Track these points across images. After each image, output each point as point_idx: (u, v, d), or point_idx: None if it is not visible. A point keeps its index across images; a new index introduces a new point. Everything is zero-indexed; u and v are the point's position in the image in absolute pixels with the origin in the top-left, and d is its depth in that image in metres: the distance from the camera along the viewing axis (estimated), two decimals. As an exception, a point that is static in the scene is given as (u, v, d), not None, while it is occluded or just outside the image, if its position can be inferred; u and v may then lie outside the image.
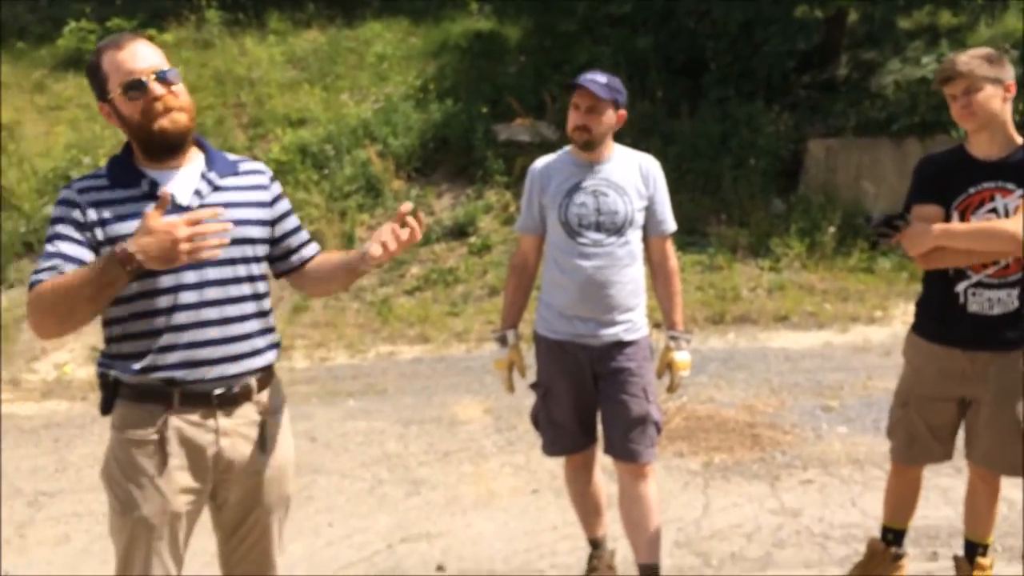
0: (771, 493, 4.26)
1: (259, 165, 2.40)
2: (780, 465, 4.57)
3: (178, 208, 2.16)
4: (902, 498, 3.28)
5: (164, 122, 2.13)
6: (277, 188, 2.40)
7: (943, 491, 4.13)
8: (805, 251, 8.45)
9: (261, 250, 2.32)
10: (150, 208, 2.01)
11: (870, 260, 8.40)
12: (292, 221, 2.42)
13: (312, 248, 2.48)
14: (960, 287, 2.94)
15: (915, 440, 3.13)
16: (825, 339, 6.94)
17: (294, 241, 2.43)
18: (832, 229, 8.56)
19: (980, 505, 3.17)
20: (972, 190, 2.90)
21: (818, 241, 8.50)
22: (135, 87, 2.10)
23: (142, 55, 2.12)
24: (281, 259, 2.43)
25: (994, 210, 2.88)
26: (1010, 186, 2.87)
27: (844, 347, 6.73)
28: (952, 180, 2.93)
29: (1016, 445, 2.96)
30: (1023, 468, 3.00)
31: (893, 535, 3.32)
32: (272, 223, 2.35)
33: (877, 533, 3.38)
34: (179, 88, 2.17)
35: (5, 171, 9.33)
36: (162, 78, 2.13)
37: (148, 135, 2.14)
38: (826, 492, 4.25)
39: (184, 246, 1.90)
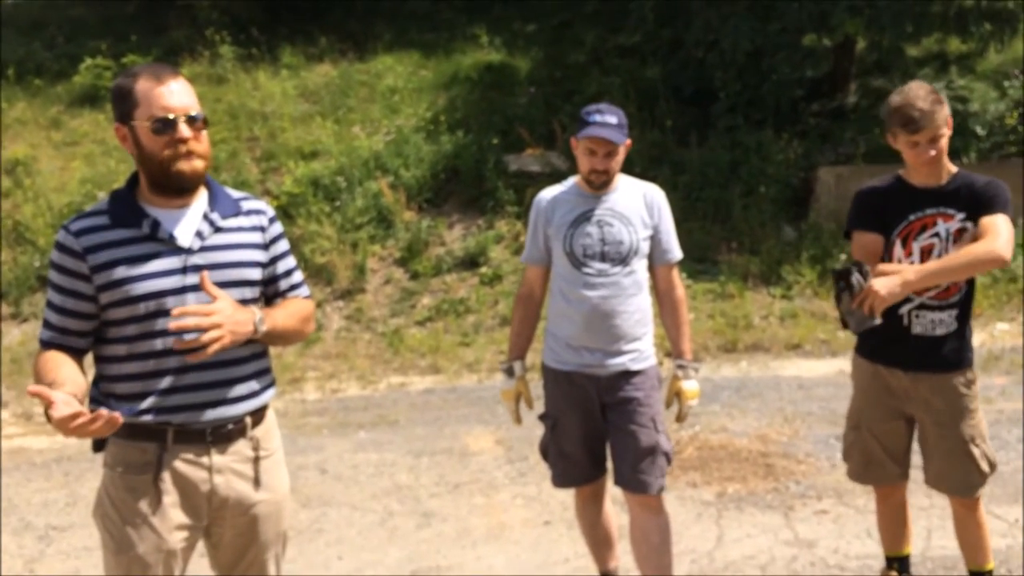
0: (785, 524, 4.21)
1: (261, 204, 2.38)
2: (794, 495, 4.52)
3: (179, 250, 2.16)
4: (892, 524, 3.31)
5: (183, 165, 2.13)
6: (276, 229, 2.37)
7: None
8: (817, 278, 8.42)
9: (258, 291, 2.31)
10: (151, 249, 2.13)
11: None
12: (284, 264, 2.39)
13: (299, 293, 2.43)
14: (904, 309, 2.99)
15: (870, 461, 3.19)
16: (838, 367, 6.88)
17: (282, 284, 2.39)
18: (843, 256, 8.53)
19: (968, 532, 3.15)
20: (913, 217, 2.97)
21: (829, 268, 8.47)
22: (165, 125, 2.10)
23: (178, 94, 2.13)
24: (266, 301, 2.38)
25: (936, 235, 2.94)
26: (951, 211, 2.93)
27: (858, 375, 6.67)
28: (892, 208, 2.99)
29: (964, 465, 3.00)
30: (972, 488, 3.04)
31: (899, 563, 3.32)
32: (265, 265, 2.33)
33: (892, 565, 3.34)
34: (204, 134, 2.18)
35: (21, 206, 9.44)
36: (192, 122, 2.14)
37: (163, 173, 2.14)
38: (841, 522, 4.19)
39: (71, 435, 1.93)
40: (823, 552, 3.91)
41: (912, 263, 2.94)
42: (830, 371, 6.79)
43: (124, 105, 2.14)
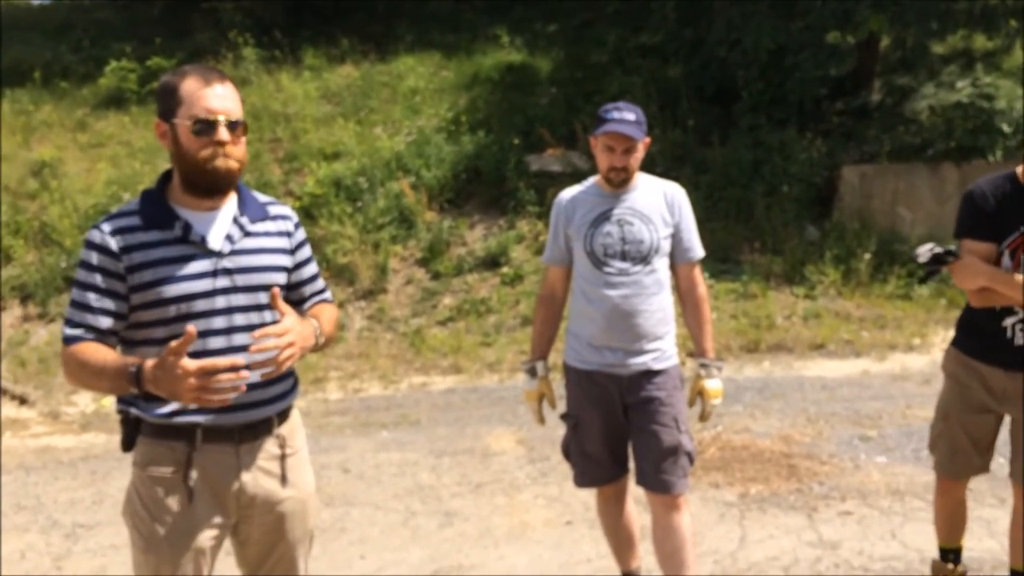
0: (809, 525, 4.19)
1: (286, 210, 2.40)
2: (818, 496, 4.49)
3: (210, 253, 2.18)
4: (952, 517, 3.29)
5: (220, 162, 2.14)
6: (301, 235, 2.40)
7: (986, 523, 4.03)
8: (840, 278, 8.36)
9: (282, 296, 2.29)
10: (184, 251, 2.13)
11: (907, 287, 8.29)
12: (309, 269, 2.41)
13: (324, 298, 2.46)
14: (1008, 322, 2.93)
15: (957, 452, 3.14)
16: (863, 367, 6.84)
17: (307, 290, 2.42)
18: (868, 256, 8.47)
19: None
20: None
21: (854, 268, 8.41)
22: (206, 127, 2.12)
23: (223, 98, 2.15)
24: (292, 306, 2.36)
25: None
26: None
27: (882, 375, 6.63)
28: (1004, 215, 2.87)
29: None
30: None
31: (953, 555, 3.32)
32: (291, 270, 2.35)
33: (918, 566, 3.34)
34: (242, 140, 2.19)
35: (47, 207, 9.55)
36: (232, 127, 2.15)
37: (198, 171, 2.15)
38: (865, 524, 4.16)
39: (191, 394, 1.93)
40: (847, 554, 3.88)
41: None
42: (854, 371, 6.74)
43: (168, 102, 2.15)
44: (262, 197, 2.37)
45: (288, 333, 2.09)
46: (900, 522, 4.15)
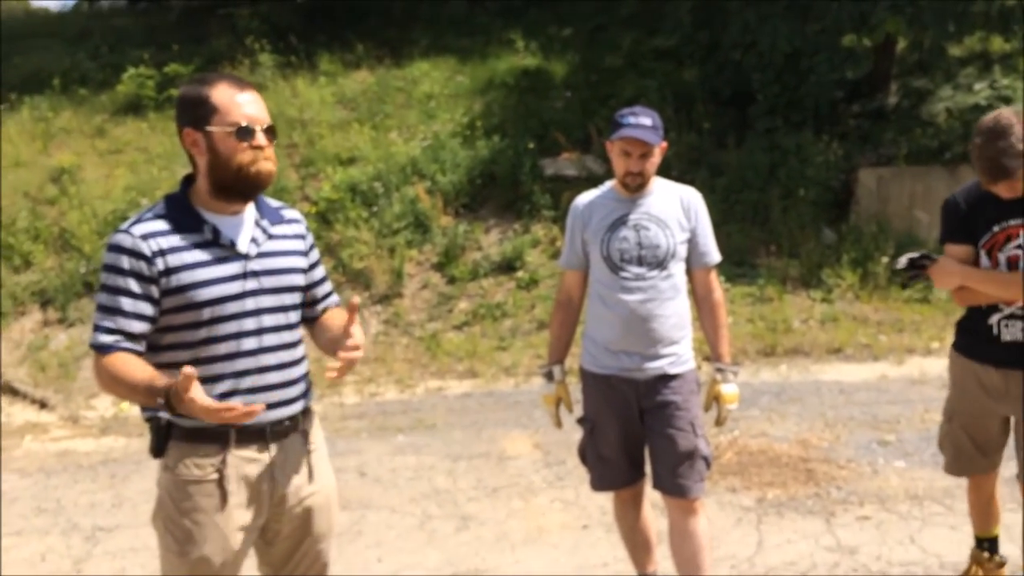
0: (827, 530, 4.17)
1: (297, 213, 2.46)
2: (836, 501, 4.47)
3: (239, 256, 2.22)
4: (985, 509, 3.38)
5: (262, 166, 2.19)
6: (311, 237, 2.47)
7: (1006, 528, 3.97)
8: (858, 282, 8.32)
9: (301, 297, 2.39)
10: (215, 254, 2.18)
11: (925, 290, 8.23)
12: (320, 271, 2.49)
13: (333, 300, 2.54)
14: (993, 319, 3.04)
15: (960, 454, 3.27)
16: (880, 371, 6.80)
17: (320, 291, 2.49)
18: (885, 259, 8.41)
19: None
20: (997, 228, 2.98)
21: (871, 271, 8.36)
22: (249, 133, 2.16)
23: (259, 106, 2.21)
24: (306, 307, 2.45)
25: (1020, 247, 2.95)
26: None
27: (900, 379, 6.59)
28: (976, 219, 3.01)
29: None
30: None
31: (988, 543, 3.40)
32: (305, 271, 2.41)
33: (937, 571, 3.34)
34: (273, 144, 2.24)
35: (67, 213, 9.62)
36: (269, 132, 2.20)
37: (237, 176, 2.17)
38: (884, 529, 4.14)
39: (216, 419, 1.98)
40: (865, 559, 3.86)
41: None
42: (872, 375, 6.70)
43: (200, 111, 2.16)
44: (273, 202, 2.42)
45: (362, 340, 2.24)
46: (919, 527, 4.13)
